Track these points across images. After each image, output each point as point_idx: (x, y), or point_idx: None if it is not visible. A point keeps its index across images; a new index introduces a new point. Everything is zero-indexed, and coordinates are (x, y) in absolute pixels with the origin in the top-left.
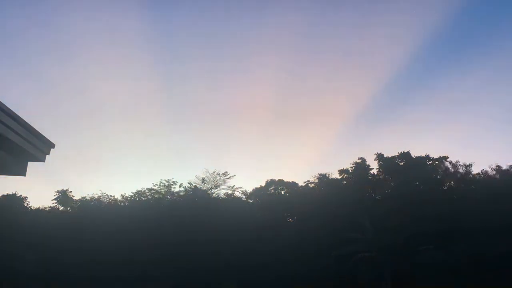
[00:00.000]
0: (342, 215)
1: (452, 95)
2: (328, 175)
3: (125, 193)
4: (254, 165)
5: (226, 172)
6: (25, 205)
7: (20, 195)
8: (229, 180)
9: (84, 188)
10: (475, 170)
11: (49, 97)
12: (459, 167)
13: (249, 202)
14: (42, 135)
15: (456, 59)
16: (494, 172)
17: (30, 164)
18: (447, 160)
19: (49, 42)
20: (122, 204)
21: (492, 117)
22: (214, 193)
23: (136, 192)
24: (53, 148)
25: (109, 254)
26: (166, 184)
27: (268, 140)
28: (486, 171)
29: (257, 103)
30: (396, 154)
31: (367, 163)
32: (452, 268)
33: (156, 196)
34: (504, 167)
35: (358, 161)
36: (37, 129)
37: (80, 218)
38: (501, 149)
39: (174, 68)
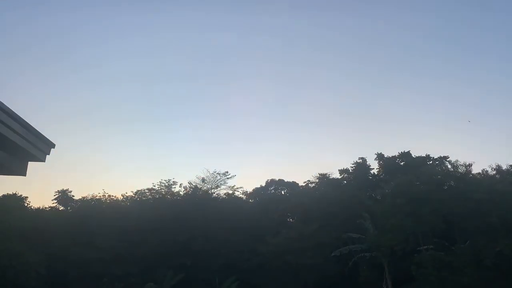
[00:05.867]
0: (342, 215)
1: (453, 95)
2: (329, 175)
3: (126, 193)
4: (254, 165)
5: (227, 172)
6: (25, 205)
7: (20, 195)
8: (229, 180)
9: (84, 188)
10: (475, 170)
11: (49, 97)
12: (459, 167)
13: (249, 202)
14: (42, 135)
15: (455, 59)
16: (494, 172)
17: (30, 164)
18: (447, 160)
19: (47, 41)
20: (123, 204)
21: (492, 117)
22: (214, 193)
23: (136, 192)
24: (53, 148)
25: (110, 253)
26: (166, 184)
27: (269, 140)
28: (486, 171)
29: (258, 103)
30: (396, 154)
31: (367, 163)
32: (452, 268)
33: (157, 196)
34: (504, 167)
35: (358, 161)
36: (37, 129)
37: (80, 218)
38: (501, 149)
39: (175, 69)
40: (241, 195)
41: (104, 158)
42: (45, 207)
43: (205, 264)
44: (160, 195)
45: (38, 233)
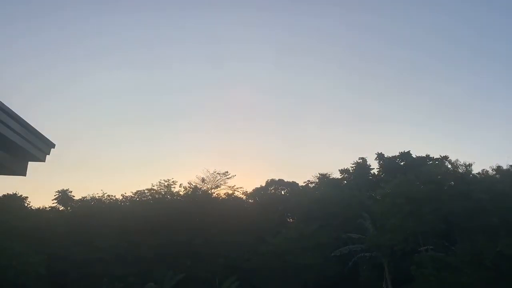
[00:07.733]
0: (342, 215)
1: (452, 95)
2: (329, 175)
3: (125, 193)
4: (254, 165)
5: (227, 172)
6: (26, 205)
7: (20, 195)
8: (229, 180)
9: (84, 188)
10: (475, 170)
11: (49, 96)
12: (459, 167)
13: (249, 202)
14: (42, 135)
15: (456, 60)
16: (494, 172)
17: (30, 164)
18: (447, 160)
19: (48, 43)
20: (122, 204)
21: (492, 117)
22: (214, 193)
23: (136, 192)
24: (53, 148)
25: (110, 253)
26: (166, 184)
27: (269, 140)
28: (486, 171)
29: (258, 104)
30: (397, 154)
31: (367, 163)
32: (452, 268)
33: (156, 196)
34: (504, 167)
35: (358, 161)
36: (37, 129)
37: (80, 218)
38: (501, 149)
39: (175, 69)
40: (241, 195)
41: (104, 158)
42: (45, 207)
43: (205, 264)
44: (160, 195)
45: (38, 233)
